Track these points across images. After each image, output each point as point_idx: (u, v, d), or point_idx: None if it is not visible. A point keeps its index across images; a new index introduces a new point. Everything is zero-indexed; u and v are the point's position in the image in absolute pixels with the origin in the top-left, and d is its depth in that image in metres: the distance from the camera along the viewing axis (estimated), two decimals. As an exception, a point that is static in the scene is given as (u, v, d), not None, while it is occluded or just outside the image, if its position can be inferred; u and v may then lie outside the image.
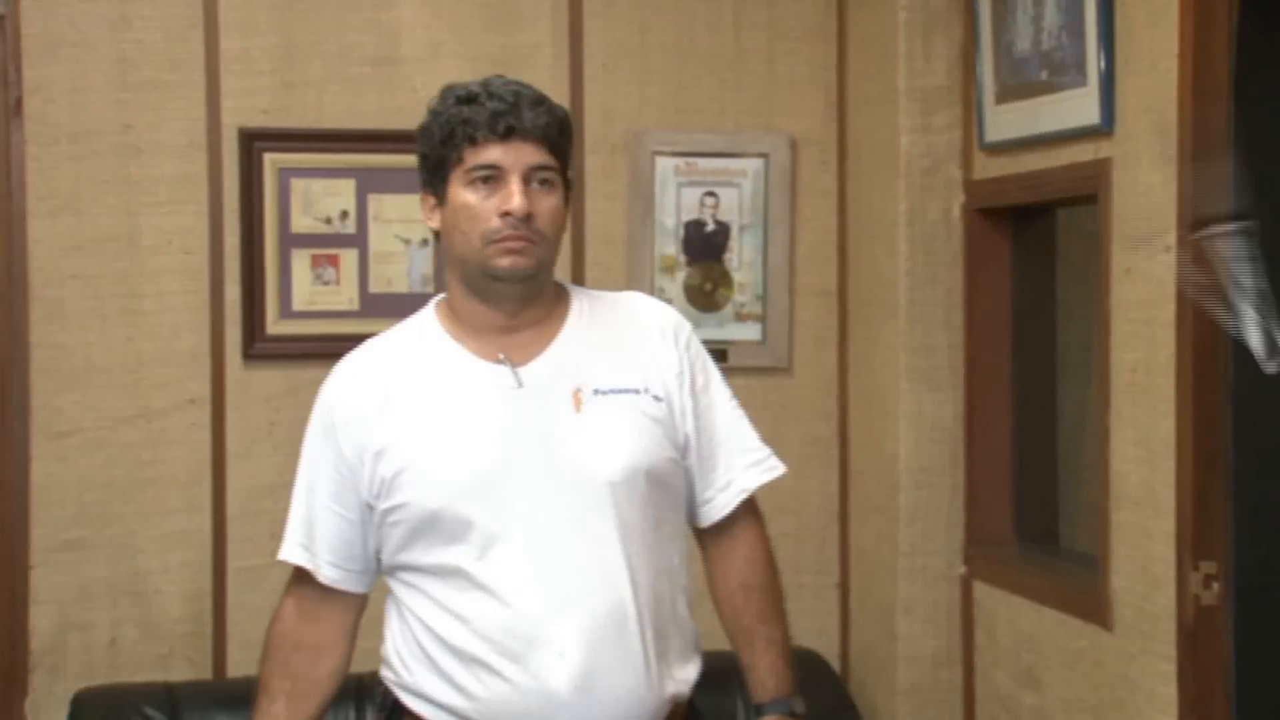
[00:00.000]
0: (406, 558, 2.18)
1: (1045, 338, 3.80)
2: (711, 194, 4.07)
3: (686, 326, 2.30)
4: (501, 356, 2.16)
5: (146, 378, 3.81)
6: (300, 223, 3.91)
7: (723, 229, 4.10)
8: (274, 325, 3.88)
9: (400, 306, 3.89)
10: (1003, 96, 3.58)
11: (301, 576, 2.29)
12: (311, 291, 3.90)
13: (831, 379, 4.13)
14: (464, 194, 2.12)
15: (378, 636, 3.56)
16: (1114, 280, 3.17)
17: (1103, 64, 3.17)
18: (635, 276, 4.01)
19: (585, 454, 2.14)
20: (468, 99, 2.13)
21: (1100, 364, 3.23)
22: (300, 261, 3.91)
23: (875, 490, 3.96)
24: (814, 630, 4.06)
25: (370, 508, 2.18)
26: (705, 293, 4.08)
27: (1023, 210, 3.73)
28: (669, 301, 4.04)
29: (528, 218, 2.10)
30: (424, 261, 3.96)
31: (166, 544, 3.81)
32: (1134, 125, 3.10)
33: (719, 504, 2.30)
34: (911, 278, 3.82)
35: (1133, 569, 3.13)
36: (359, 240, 3.94)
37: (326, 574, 2.25)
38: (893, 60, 3.83)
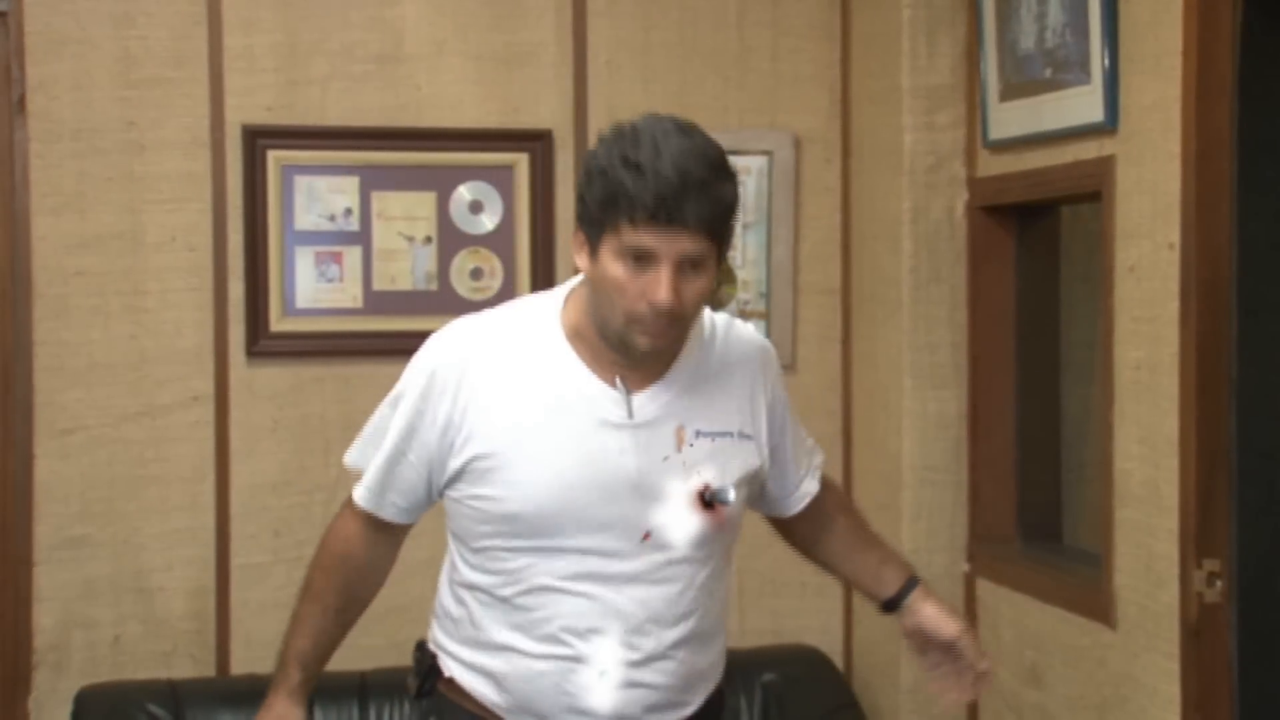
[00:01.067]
0: (472, 536, 2.23)
1: (1049, 335, 3.80)
2: (715, 191, 4.06)
3: (773, 353, 2.39)
4: (618, 382, 2.17)
5: (150, 375, 3.82)
6: (304, 220, 3.91)
7: (726, 226, 4.08)
8: (277, 323, 3.88)
9: (404, 304, 3.93)
10: (1006, 94, 3.58)
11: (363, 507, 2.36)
12: (315, 289, 3.91)
13: (835, 377, 4.13)
14: (614, 266, 2.08)
15: (380, 635, 3.60)
16: (1117, 278, 3.16)
17: (1106, 62, 3.16)
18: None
19: (678, 499, 2.20)
20: (635, 166, 2.05)
21: (1104, 362, 3.23)
22: (304, 259, 3.91)
23: (879, 488, 3.96)
24: (817, 628, 4.07)
25: (449, 483, 2.22)
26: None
27: (1026, 208, 3.73)
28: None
29: (675, 310, 2.08)
30: (427, 259, 3.97)
31: (170, 541, 3.82)
32: (1138, 123, 3.10)
33: (798, 497, 2.45)
34: (915, 275, 3.82)
35: (1136, 567, 3.13)
36: (363, 238, 3.94)
37: (388, 514, 2.31)
38: (897, 58, 3.83)
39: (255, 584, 3.85)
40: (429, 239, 3.96)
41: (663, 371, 2.20)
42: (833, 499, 2.52)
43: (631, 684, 2.20)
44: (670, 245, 2.04)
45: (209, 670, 3.83)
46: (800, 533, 2.54)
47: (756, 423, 2.29)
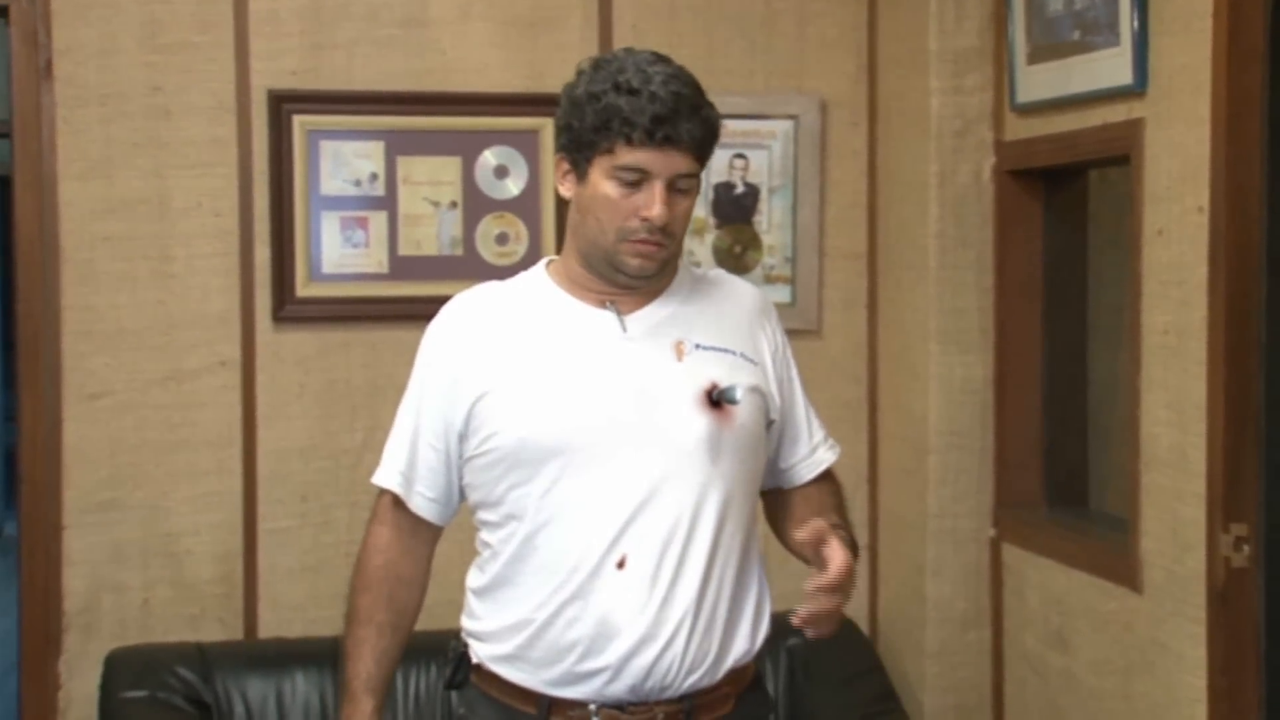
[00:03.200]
0: (491, 495, 2.22)
1: (1076, 300, 3.78)
2: (741, 156, 4.06)
3: (774, 310, 2.38)
4: (608, 304, 2.21)
5: (177, 340, 3.83)
6: (329, 185, 3.91)
7: (752, 191, 4.08)
8: (303, 288, 3.89)
9: (429, 269, 3.93)
10: (1035, 57, 3.55)
11: (395, 504, 2.32)
12: (341, 254, 3.91)
13: (861, 341, 4.12)
14: (606, 185, 2.15)
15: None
16: (1146, 242, 3.15)
17: (1136, 24, 3.14)
18: (664, 239, 3.99)
19: (684, 400, 2.18)
20: (630, 90, 2.13)
21: (1132, 326, 3.21)
22: (329, 224, 3.91)
23: (905, 453, 3.95)
24: None
25: (462, 438, 2.22)
26: (734, 255, 4.08)
27: (1054, 172, 3.71)
28: (697, 264, 4.04)
29: (667, 226, 2.15)
30: (453, 224, 3.97)
31: (198, 505, 3.83)
32: (1167, 85, 3.08)
33: (806, 468, 2.38)
34: (942, 240, 3.81)
35: (1163, 531, 3.13)
36: (388, 203, 3.94)
37: (417, 503, 2.29)
38: (923, 21, 3.80)
39: (282, 548, 3.87)
40: (454, 204, 3.96)
41: (655, 295, 2.24)
42: (826, 488, 2.42)
43: (653, 610, 2.15)
44: (665, 163, 2.12)
45: (237, 633, 3.85)
46: (788, 512, 2.43)
47: (759, 355, 2.29)
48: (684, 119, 2.13)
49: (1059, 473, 3.77)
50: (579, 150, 2.17)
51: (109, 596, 3.79)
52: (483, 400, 2.19)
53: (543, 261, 2.32)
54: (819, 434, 2.40)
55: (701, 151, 2.17)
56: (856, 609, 4.07)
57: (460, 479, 2.28)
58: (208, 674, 3.68)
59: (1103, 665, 3.37)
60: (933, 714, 3.86)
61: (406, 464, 2.29)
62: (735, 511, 2.24)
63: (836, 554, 2.15)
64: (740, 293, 2.34)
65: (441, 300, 3.82)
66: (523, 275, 2.32)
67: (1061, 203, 3.77)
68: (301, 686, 3.71)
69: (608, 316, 2.20)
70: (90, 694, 3.69)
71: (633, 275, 2.17)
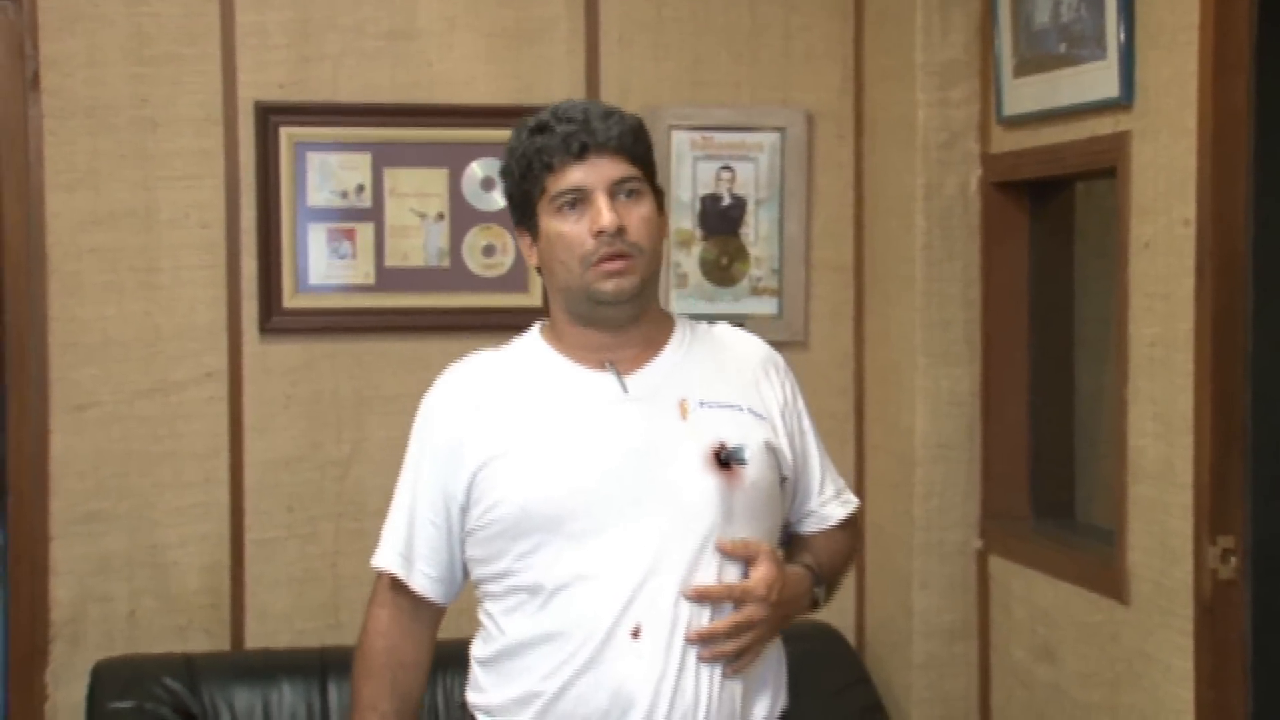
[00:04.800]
0: (497, 568, 2.13)
1: (1063, 312, 3.79)
2: (728, 168, 4.07)
3: (781, 359, 2.31)
4: (607, 364, 2.14)
5: (164, 351, 3.82)
6: (316, 197, 3.91)
7: (739, 203, 4.09)
8: (290, 299, 3.88)
9: (416, 281, 3.93)
10: (1021, 69, 3.57)
11: (395, 586, 2.23)
12: (328, 265, 3.91)
13: (848, 354, 4.12)
14: (554, 224, 2.10)
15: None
16: (1132, 254, 3.16)
17: (1122, 36, 3.16)
18: (651, 251, 4.00)
19: (691, 461, 2.09)
20: (539, 128, 2.11)
21: (1118, 338, 3.22)
22: (316, 236, 3.91)
23: (891, 465, 3.96)
24: (830, 605, 3.98)
25: (463, 511, 2.15)
26: (721, 267, 4.08)
27: (1041, 184, 3.72)
28: (684, 276, 4.05)
29: (620, 231, 2.07)
30: (439, 236, 3.97)
31: (184, 517, 3.82)
32: (1154, 98, 3.09)
33: (811, 522, 2.30)
34: (928, 252, 3.82)
35: (1150, 543, 3.12)
36: (375, 214, 3.94)
37: (419, 583, 2.20)
38: (910, 33, 3.82)
39: (269, 559, 3.86)
40: (441, 215, 3.96)
41: (655, 353, 2.18)
42: (838, 535, 2.34)
43: (670, 680, 2.07)
44: (595, 173, 2.08)
45: (224, 644, 3.84)
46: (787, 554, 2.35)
47: (767, 409, 2.19)
48: (598, 126, 2.09)
49: (1046, 485, 3.77)
50: (523, 210, 2.14)
51: (96, 607, 3.78)
52: (484, 470, 2.11)
53: (535, 326, 2.25)
54: (830, 489, 2.31)
55: (633, 153, 2.11)
56: (844, 620, 4.07)
57: (462, 554, 2.20)
58: (195, 685, 3.67)
59: (1090, 677, 3.36)
60: None
61: (405, 543, 2.21)
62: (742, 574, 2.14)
63: (752, 575, 2.09)
64: (744, 346, 2.27)
65: (429, 312, 3.89)
66: (516, 341, 2.24)
67: (1048, 215, 3.78)
68: (289, 697, 3.70)
69: (607, 378, 2.13)
70: (77, 704, 3.69)
71: (613, 300, 2.09)
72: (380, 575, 2.25)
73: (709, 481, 2.10)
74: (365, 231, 3.93)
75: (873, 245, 4.09)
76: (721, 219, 4.09)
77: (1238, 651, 2.95)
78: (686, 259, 4.05)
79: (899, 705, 3.90)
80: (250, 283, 3.85)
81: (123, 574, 3.79)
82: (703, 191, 4.07)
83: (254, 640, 3.85)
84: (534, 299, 3.93)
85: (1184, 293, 2.98)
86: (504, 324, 3.82)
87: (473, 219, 3.98)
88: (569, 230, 2.08)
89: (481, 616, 2.22)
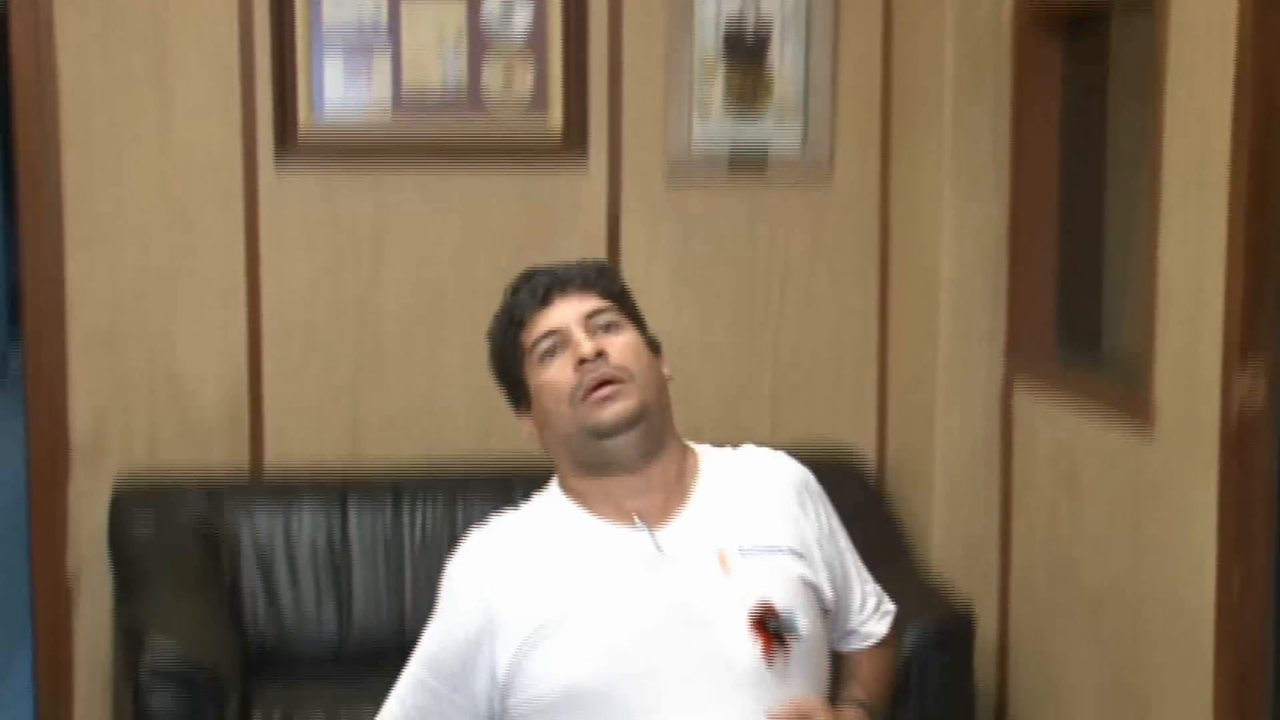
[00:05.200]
0: None
1: (1095, 145, 3.71)
2: (753, -6, 3.98)
3: (811, 476, 2.17)
4: (637, 520, 1.99)
5: (179, 177, 3.77)
6: (333, 21, 3.82)
7: (764, 32, 4.00)
8: (306, 125, 3.82)
9: (434, 108, 3.87)
10: (1059, -110, 3.47)
11: None
12: (344, 93, 3.84)
13: (874, 188, 4.05)
14: (539, 375, 2.01)
15: (416, 433, 3.65)
16: (1169, 79, 3.08)
17: None
18: (674, 83, 3.93)
19: (738, 625, 1.95)
20: (513, 291, 2.08)
21: (1151, 164, 3.15)
22: (332, 62, 3.84)
23: (916, 297, 3.92)
24: (850, 429, 4.05)
25: (498, 693, 1.97)
26: (745, 96, 4.01)
27: (1076, 14, 3.63)
28: (706, 106, 3.98)
29: (601, 356, 1.98)
30: (458, 63, 3.89)
31: (203, 340, 3.80)
32: (1196, -82, 3.00)
33: (865, 633, 2.18)
34: (958, 84, 3.74)
35: (1177, 372, 3.08)
36: (393, 41, 3.85)
37: None
38: None
39: (288, 383, 3.84)
40: (459, 43, 3.87)
41: (683, 501, 2.03)
42: (872, 658, 2.20)
43: None
44: (566, 312, 2.02)
45: (244, 466, 3.85)
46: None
47: (805, 542, 2.06)
48: (564, 275, 2.05)
49: (1073, 316, 3.74)
50: (514, 384, 2.05)
51: (115, 427, 3.78)
52: (522, 650, 1.94)
53: (552, 484, 2.09)
54: (870, 604, 2.18)
55: (602, 287, 2.05)
56: (863, 445, 4.05)
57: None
58: (216, 508, 3.69)
59: (1112, 509, 3.35)
60: (939, 558, 3.85)
61: (400, 708, 2.04)
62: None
63: None
64: (776, 471, 2.13)
65: (447, 138, 3.83)
66: (538, 500, 2.09)
67: (1082, 47, 3.70)
68: (309, 520, 3.72)
69: (638, 537, 1.98)
70: (99, 526, 3.70)
71: (613, 428, 1.95)
72: None
73: (758, 649, 1.95)
74: (382, 57, 3.86)
75: (900, 77, 4.01)
76: (746, 48, 4.00)
77: (1263, 484, 2.92)
78: (711, 87, 3.97)
79: (918, 535, 3.91)
80: (265, 109, 3.78)
81: (142, 396, 3.79)
82: (727, 20, 3.97)
83: (274, 462, 3.86)
84: (554, 121, 3.87)
85: (1220, 119, 2.90)
86: (522, 149, 3.85)
87: (491, 46, 3.90)
88: (552, 376, 2.00)
89: None
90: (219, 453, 3.83)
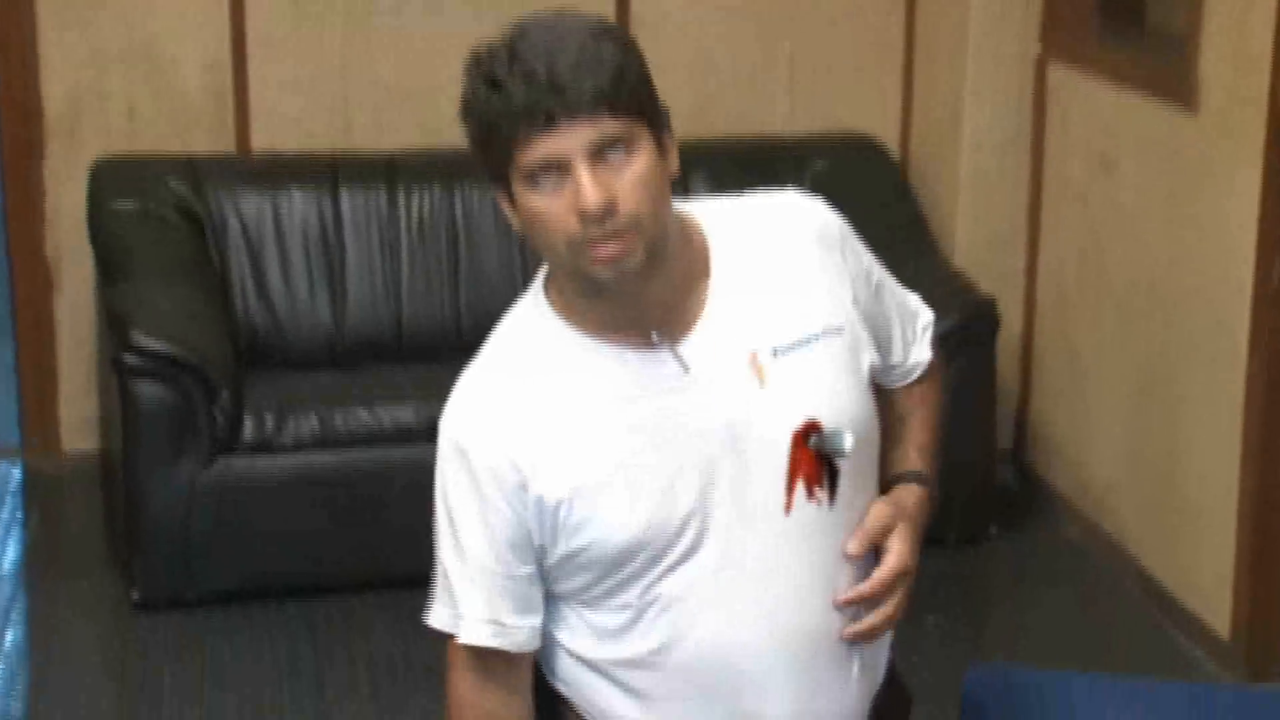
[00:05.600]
0: (593, 594, 1.84)
1: None
2: None
3: (840, 225, 1.91)
4: (655, 337, 1.78)
5: None
6: None
7: None
8: None
9: None
10: None
11: (488, 657, 1.88)
12: None
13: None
14: (531, 200, 1.70)
15: (409, 114, 3.49)
16: None
17: None
18: None
19: (781, 445, 1.78)
20: (493, 83, 1.69)
21: None
22: None
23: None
24: (873, 114, 3.93)
25: (543, 549, 1.82)
26: None
27: None
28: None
29: (610, 210, 1.69)
30: None
31: (182, 7, 3.67)
32: None
33: (909, 368, 1.97)
34: None
35: (1225, 47, 2.98)
36: None
37: (520, 639, 1.85)
38: None
39: (274, 58, 3.71)
40: None
41: (702, 300, 1.81)
42: (922, 404, 2.02)
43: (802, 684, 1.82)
44: (568, 141, 1.68)
45: (228, 147, 3.74)
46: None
47: (839, 306, 1.86)
48: (566, 77, 1.68)
49: None
50: (493, 172, 1.74)
51: (91, 103, 3.67)
52: (562, 507, 1.79)
53: (540, 286, 1.84)
54: (909, 332, 1.98)
55: (616, 102, 1.69)
56: (887, 131, 3.93)
57: (544, 587, 1.87)
58: (199, 188, 3.58)
59: (1148, 190, 3.29)
60: (964, 244, 3.81)
61: (487, 606, 1.84)
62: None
63: (888, 560, 1.81)
64: (793, 230, 1.88)
65: None
66: (526, 319, 1.84)
67: None
68: (299, 204, 3.60)
69: (660, 358, 1.78)
70: (77, 204, 3.62)
71: (616, 284, 1.73)
72: (453, 642, 1.88)
73: (801, 476, 1.79)
74: None
75: None
76: None
77: (1306, 165, 2.86)
78: None
79: (943, 221, 3.82)
80: None
81: (118, 69, 3.67)
82: None
83: (260, 144, 3.74)
84: None
85: None
86: None
87: None
88: (548, 209, 1.70)
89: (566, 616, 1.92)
90: (202, 131, 3.71)
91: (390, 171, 3.65)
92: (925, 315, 1.98)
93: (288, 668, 3.07)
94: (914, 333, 1.95)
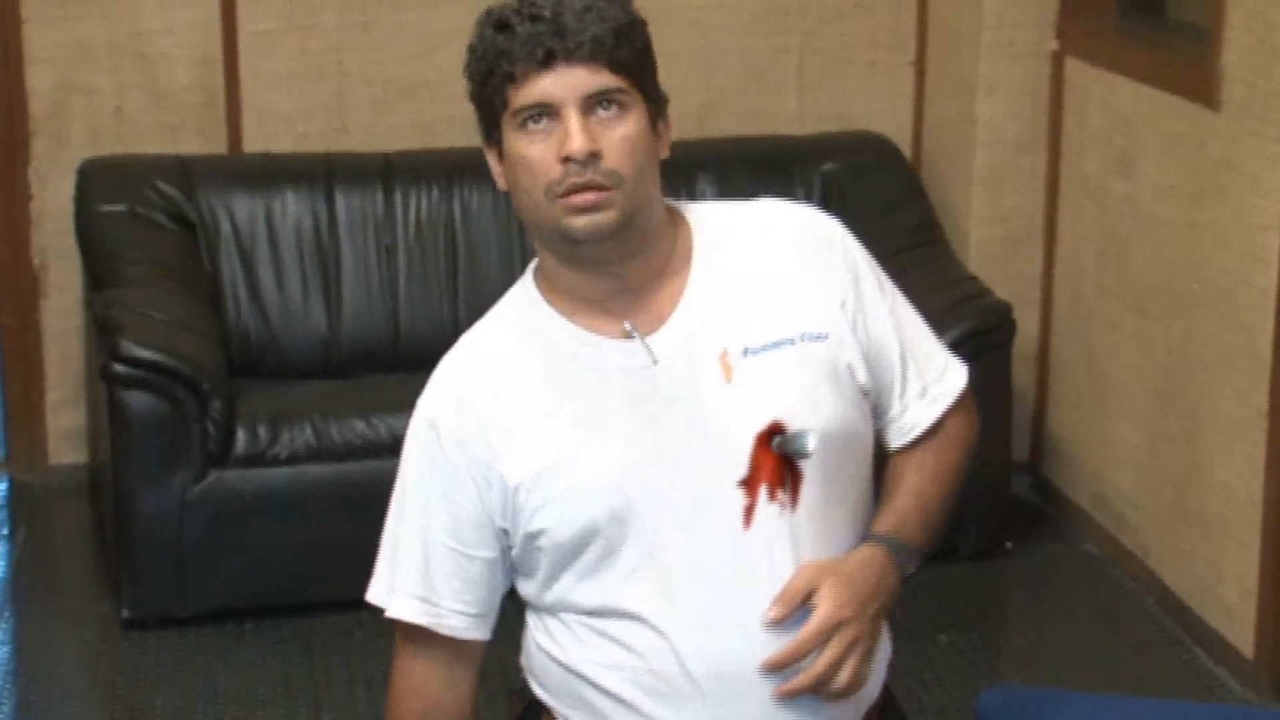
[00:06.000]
0: (553, 594, 1.84)
1: None
2: None
3: (837, 231, 1.88)
4: (628, 327, 1.80)
5: None
6: None
7: None
8: None
9: None
10: None
11: (420, 634, 1.89)
12: None
13: None
14: (518, 144, 1.75)
15: (405, 113, 3.39)
16: None
17: None
18: None
19: (743, 445, 1.77)
20: (500, 25, 1.74)
21: None
22: None
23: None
24: (884, 112, 3.91)
25: (505, 533, 1.84)
26: None
27: None
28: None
29: (594, 158, 1.73)
30: None
31: (171, 1, 3.64)
32: None
33: (903, 425, 1.89)
34: None
35: (1249, 40, 2.95)
36: None
37: (452, 623, 1.86)
38: None
39: (266, 54, 3.68)
40: None
41: (678, 294, 1.82)
42: (938, 461, 1.93)
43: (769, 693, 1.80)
44: (566, 84, 1.73)
45: (220, 147, 3.71)
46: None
47: (825, 315, 1.84)
48: (570, 20, 1.74)
49: None
50: (488, 123, 1.78)
51: (78, 101, 3.65)
52: (516, 489, 1.80)
53: (529, 273, 1.88)
54: (914, 385, 1.89)
55: (615, 57, 1.75)
56: (899, 130, 3.89)
57: (505, 578, 1.88)
58: (190, 189, 3.54)
59: (1168, 190, 3.25)
60: (979, 244, 3.79)
61: (422, 583, 1.85)
62: (831, 548, 1.82)
63: (813, 616, 1.75)
64: (782, 236, 1.87)
65: None
66: (512, 301, 1.88)
67: None
68: (292, 205, 3.56)
69: (630, 348, 1.80)
70: (65, 206, 3.59)
71: (587, 239, 1.75)
72: (398, 625, 1.90)
73: (763, 477, 1.77)
74: None
75: None
76: None
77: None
78: None
79: (956, 222, 3.80)
80: None
81: (106, 65, 3.65)
82: None
83: (252, 144, 3.71)
84: None
85: None
86: None
87: None
88: (533, 153, 1.75)
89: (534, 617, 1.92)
90: (192, 130, 3.68)
91: (386, 173, 3.59)
92: (951, 379, 1.90)
93: (283, 687, 3.02)
94: (921, 387, 1.87)
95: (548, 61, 1.71)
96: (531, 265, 1.87)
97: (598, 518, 1.78)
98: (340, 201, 3.55)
